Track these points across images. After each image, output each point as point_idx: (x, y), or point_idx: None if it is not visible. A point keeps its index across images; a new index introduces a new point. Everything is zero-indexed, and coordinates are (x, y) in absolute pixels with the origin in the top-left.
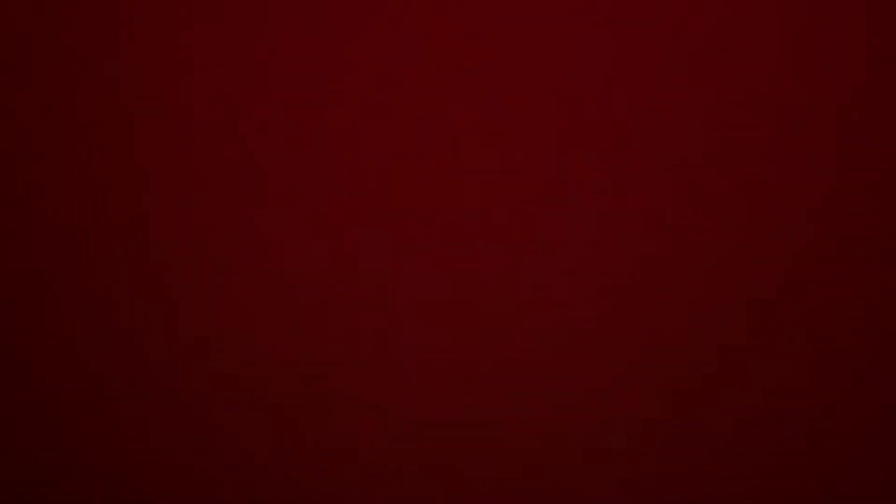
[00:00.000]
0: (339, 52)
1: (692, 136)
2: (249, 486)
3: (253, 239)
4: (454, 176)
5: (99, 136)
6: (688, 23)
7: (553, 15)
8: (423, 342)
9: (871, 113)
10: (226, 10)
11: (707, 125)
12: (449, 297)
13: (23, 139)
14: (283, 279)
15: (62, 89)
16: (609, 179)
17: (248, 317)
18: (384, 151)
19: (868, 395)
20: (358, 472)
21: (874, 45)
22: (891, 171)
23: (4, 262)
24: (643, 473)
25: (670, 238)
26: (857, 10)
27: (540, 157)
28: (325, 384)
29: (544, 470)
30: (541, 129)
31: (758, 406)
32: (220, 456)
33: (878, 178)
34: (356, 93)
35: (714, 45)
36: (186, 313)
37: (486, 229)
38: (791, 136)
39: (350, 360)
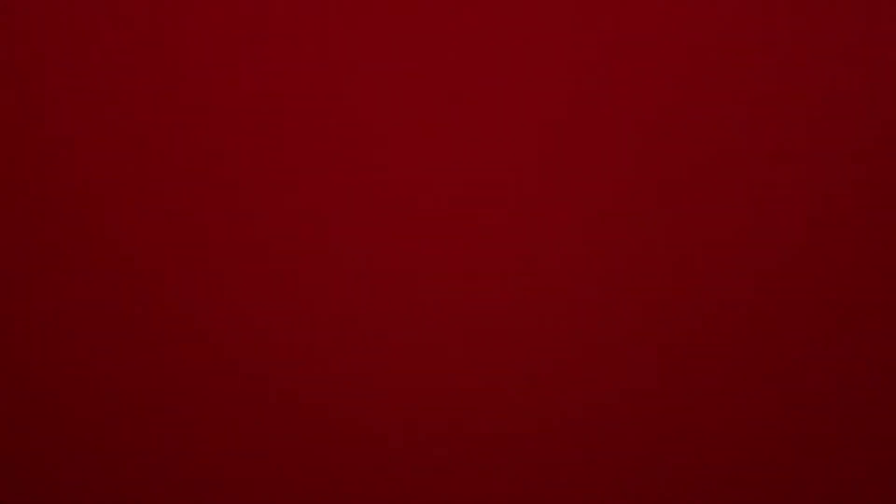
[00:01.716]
0: (338, 51)
1: (688, 133)
2: (246, 488)
3: (246, 238)
4: (450, 176)
5: (97, 137)
6: (685, 22)
7: (552, 14)
8: (420, 341)
9: (872, 112)
10: (225, 10)
11: (703, 123)
12: (445, 297)
13: (26, 139)
14: (280, 278)
15: (62, 88)
16: (608, 179)
17: (244, 315)
18: (385, 150)
19: (868, 397)
20: (352, 478)
21: (874, 45)
22: (890, 171)
23: (6, 261)
24: (640, 476)
25: (670, 237)
26: (856, 10)
27: (540, 156)
28: (324, 384)
29: (541, 471)
30: (541, 127)
31: (759, 410)
32: (214, 459)
33: (879, 179)
34: (354, 92)
35: (711, 43)
36: (179, 313)
37: (485, 229)
38: (789, 136)
39: (345, 361)
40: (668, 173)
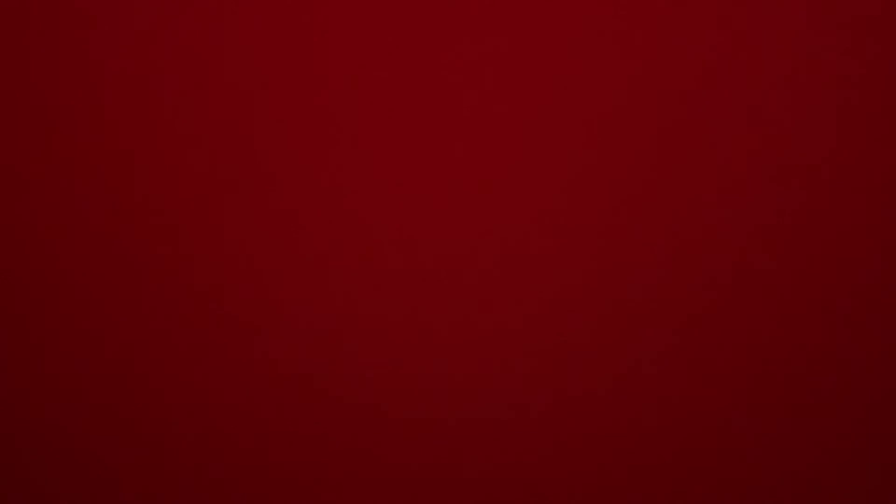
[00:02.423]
0: (337, 50)
1: (683, 131)
2: (246, 487)
3: (246, 236)
4: (447, 176)
5: (99, 137)
6: (681, 24)
7: (548, 16)
8: (419, 341)
9: (871, 114)
10: (226, 9)
11: (699, 120)
12: (444, 296)
13: (27, 138)
14: (279, 277)
15: (64, 87)
16: (606, 179)
17: (243, 314)
18: (380, 151)
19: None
20: (352, 474)
21: (875, 47)
22: (890, 171)
23: (7, 261)
24: (638, 477)
25: (667, 234)
26: (856, 13)
27: (538, 155)
28: (320, 384)
29: (539, 470)
30: (538, 128)
31: (758, 414)
32: (215, 458)
33: (876, 180)
34: (352, 93)
35: (708, 41)
36: (175, 314)
37: (484, 229)
38: (785, 136)
39: (344, 360)
40: (664, 170)
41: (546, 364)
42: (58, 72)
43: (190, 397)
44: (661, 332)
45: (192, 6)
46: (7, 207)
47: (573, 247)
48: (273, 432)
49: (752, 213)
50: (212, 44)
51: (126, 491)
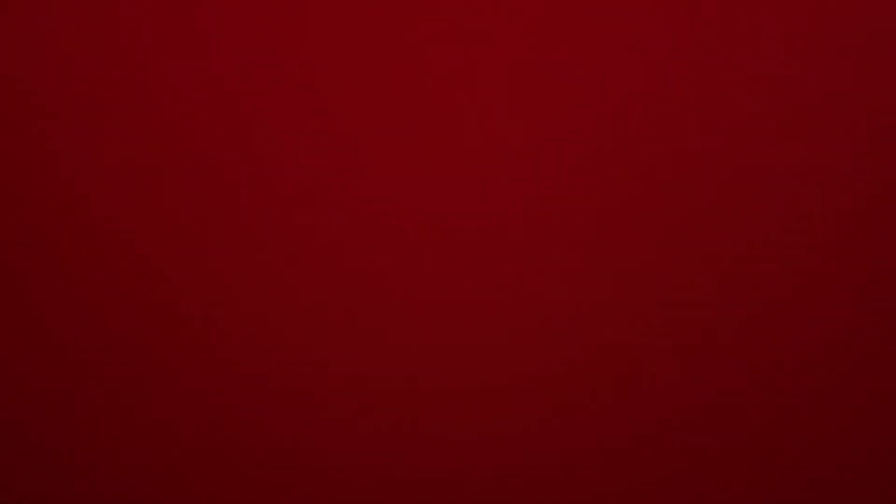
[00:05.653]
0: (333, 51)
1: (686, 131)
2: (242, 492)
3: (242, 238)
4: (448, 176)
5: (102, 136)
6: (684, 20)
7: (548, 14)
8: (418, 341)
9: (870, 113)
10: (228, 10)
11: (702, 120)
12: (441, 297)
13: (27, 136)
14: (280, 280)
15: (65, 85)
16: (605, 180)
17: (242, 316)
18: (380, 150)
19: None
20: (347, 479)
21: (875, 45)
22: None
23: (5, 261)
24: (637, 479)
25: (668, 240)
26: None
27: (538, 157)
28: (319, 385)
29: (538, 474)
30: (537, 126)
31: (760, 417)
32: (210, 461)
33: (878, 178)
34: (351, 92)
35: (706, 40)
36: (172, 316)
37: (485, 230)
38: (784, 136)
39: (337, 366)
40: (666, 172)
41: (543, 366)
42: (57, 71)
43: (185, 400)
44: (660, 335)
45: (190, 6)
46: (5, 206)
47: (570, 250)
48: (269, 437)
49: (752, 214)
50: (211, 43)
51: (111, 490)
